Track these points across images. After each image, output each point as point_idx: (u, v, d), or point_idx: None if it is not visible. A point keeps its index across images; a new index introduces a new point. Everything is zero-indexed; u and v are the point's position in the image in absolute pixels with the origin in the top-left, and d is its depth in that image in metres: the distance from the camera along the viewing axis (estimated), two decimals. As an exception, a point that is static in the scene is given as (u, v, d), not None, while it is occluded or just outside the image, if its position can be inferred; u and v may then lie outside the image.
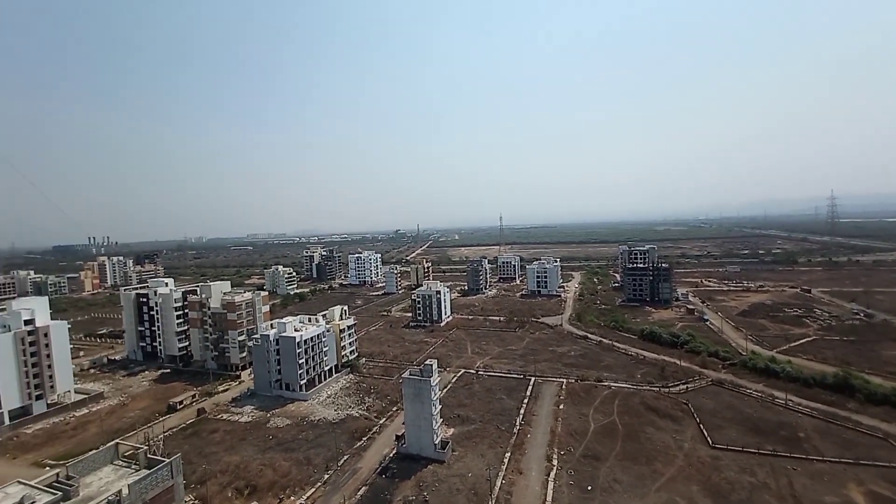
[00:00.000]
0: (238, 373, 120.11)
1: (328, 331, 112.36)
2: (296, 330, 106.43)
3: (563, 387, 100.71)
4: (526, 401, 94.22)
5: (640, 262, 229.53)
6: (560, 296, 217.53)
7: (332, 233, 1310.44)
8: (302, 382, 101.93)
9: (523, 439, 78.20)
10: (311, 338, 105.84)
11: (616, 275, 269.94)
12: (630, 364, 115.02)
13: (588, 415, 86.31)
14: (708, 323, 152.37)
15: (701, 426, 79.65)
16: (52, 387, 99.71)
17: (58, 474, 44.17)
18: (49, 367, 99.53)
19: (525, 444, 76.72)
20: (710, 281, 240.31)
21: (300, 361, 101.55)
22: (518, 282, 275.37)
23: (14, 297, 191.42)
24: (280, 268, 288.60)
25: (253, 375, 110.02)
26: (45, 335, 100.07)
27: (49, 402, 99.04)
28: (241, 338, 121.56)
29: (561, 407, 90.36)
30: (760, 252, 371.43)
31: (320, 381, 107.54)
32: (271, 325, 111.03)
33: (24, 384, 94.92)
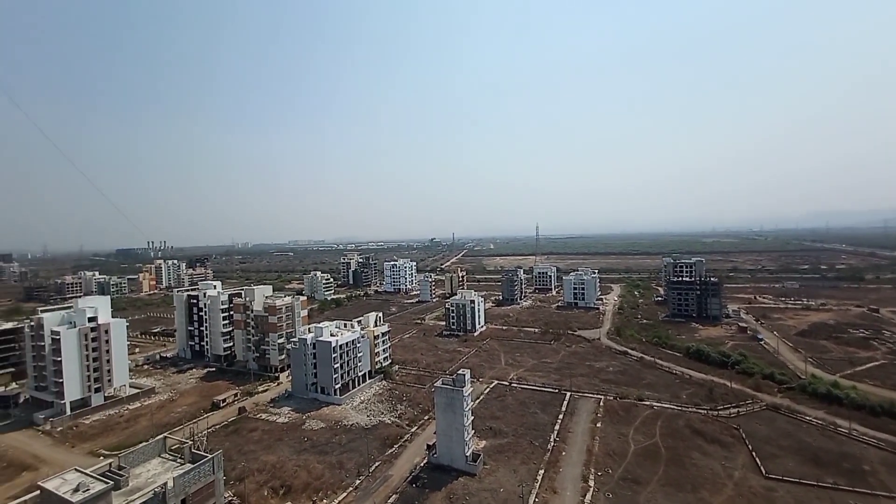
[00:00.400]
0: (277, 374, 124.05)
1: (363, 337, 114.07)
2: (332, 335, 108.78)
3: (601, 404, 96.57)
4: (561, 416, 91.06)
5: (686, 276, 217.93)
6: (598, 308, 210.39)
7: (369, 240, 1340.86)
8: (336, 387, 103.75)
9: (558, 457, 75.39)
10: (347, 343, 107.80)
11: (659, 288, 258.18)
12: (674, 383, 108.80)
13: (628, 435, 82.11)
14: (762, 343, 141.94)
15: (753, 454, 73.79)
16: (109, 381, 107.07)
17: (110, 464, 46.96)
18: (108, 361, 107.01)
19: (560, 461, 73.90)
20: (764, 297, 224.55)
21: (335, 366, 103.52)
22: (554, 293, 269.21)
23: (81, 296, 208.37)
24: (318, 273, 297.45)
25: (291, 377, 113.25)
26: (106, 332, 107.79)
27: (106, 395, 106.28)
28: (280, 340, 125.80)
29: (598, 425, 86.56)
30: (822, 267, 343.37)
31: (354, 387, 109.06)
32: (309, 329, 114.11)
33: (85, 377, 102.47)
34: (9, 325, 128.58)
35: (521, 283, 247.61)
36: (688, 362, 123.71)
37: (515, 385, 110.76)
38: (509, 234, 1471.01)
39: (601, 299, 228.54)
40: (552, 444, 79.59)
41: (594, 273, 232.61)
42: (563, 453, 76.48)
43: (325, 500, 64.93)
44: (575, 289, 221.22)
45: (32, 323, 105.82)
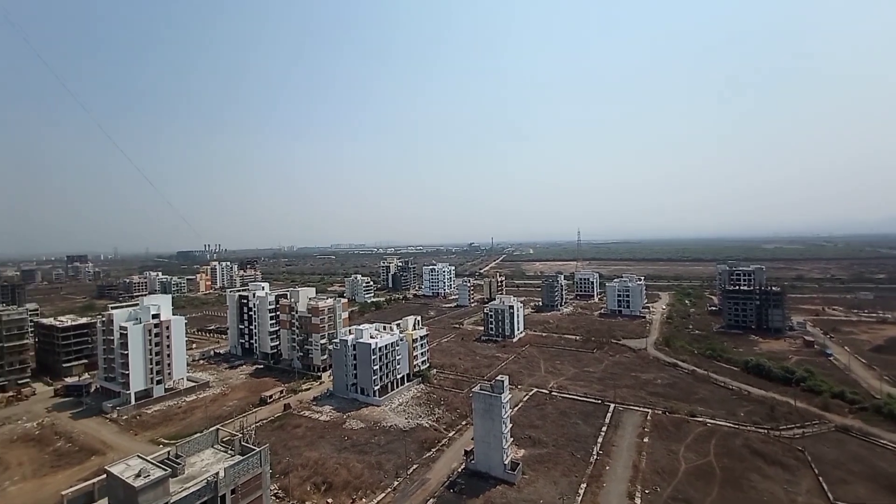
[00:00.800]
0: (319, 374, 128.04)
1: (402, 340, 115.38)
2: (371, 337, 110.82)
3: (649, 418, 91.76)
4: (604, 429, 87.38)
5: (744, 284, 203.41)
6: (644, 317, 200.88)
7: (408, 244, 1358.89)
8: (376, 388, 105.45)
9: (601, 471, 72.28)
10: (386, 345, 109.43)
11: (713, 297, 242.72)
12: (730, 399, 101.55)
13: (678, 452, 77.35)
14: (831, 358, 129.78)
15: (820, 478, 67.50)
16: (169, 374, 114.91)
17: (168, 452, 50.08)
18: (168, 356, 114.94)
19: (603, 476, 70.80)
20: (834, 309, 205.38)
21: (374, 368, 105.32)
22: (596, 300, 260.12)
23: (146, 295, 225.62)
24: (359, 277, 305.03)
25: (332, 377, 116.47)
26: (167, 328, 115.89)
27: (166, 387, 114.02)
28: (322, 341, 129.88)
29: (645, 440, 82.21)
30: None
31: (393, 389, 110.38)
32: (349, 331, 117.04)
33: (149, 370, 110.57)
34: (83, 320, 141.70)
35: (562, 289, 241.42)
36: (746, 377, 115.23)
37: (556, 394, 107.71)
38: (549, 239, 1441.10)
39: (647, 307, 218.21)
40: (595, 457, 76.46)
41: (640, 280, 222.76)
42: (607, 468, 73.23)
43: (364, 500, 65.90)
44: (619, 296, 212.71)
45: (104, 318, 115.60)
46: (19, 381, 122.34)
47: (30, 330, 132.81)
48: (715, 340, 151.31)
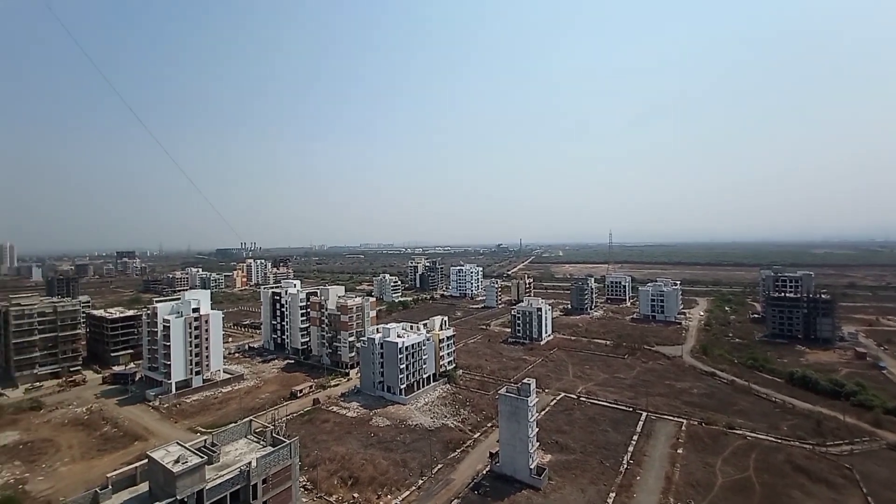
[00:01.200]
0: (347, 371, 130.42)
1: (428, 339, 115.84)
2: (398, 336, 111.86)
3: (683, 428, 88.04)
4: (635, 437, 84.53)
5: (790, 291, 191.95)
6: (680, 323, 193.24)
7: (436, 244, 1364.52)
8: (402, 387, 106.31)
9: (631, 480, 69.93)
10: (412, 345, 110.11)
11: (755, 304, 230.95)
12: (773, 412, 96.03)
13: (715, 466, 73.80)
14: (885, 371, 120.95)
15: (868, 498, 63.10)
16: (207, 365, 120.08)
17: (205, 441, 52.18)
18: (207, 348, 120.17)
19: (633, 486, 68.45)
20: (889, 319, 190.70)
21: (401, 366, 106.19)
22: (628, 304, 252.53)
23: (187, 289, 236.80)
24: (387, 276, 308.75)
25: (360, 374, 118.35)
26: (206, 322, 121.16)
27: (204, 378, 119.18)
28: (351, 339, 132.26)
29: (679, 451, 78.92)
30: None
31: (419, 388, 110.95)
32: (377, 329, 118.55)
33: (188, 361, 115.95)
34: (130, 313, 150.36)
35: (592, 293, 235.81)
36: (790, 390, 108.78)
37: (584, 399, 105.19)
38: (579, 241, 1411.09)
39: (683, 313, 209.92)
40: (625, 466, 74.09)
41: (675, 284, 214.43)
42: (638, 478, 70.78)
43: (389, 496, 66.51)
44: (653, 300, 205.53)
45: (149, 311, 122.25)
46: (71, 369, 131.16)
47: (82, 321, 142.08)
48: (757, 350, 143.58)
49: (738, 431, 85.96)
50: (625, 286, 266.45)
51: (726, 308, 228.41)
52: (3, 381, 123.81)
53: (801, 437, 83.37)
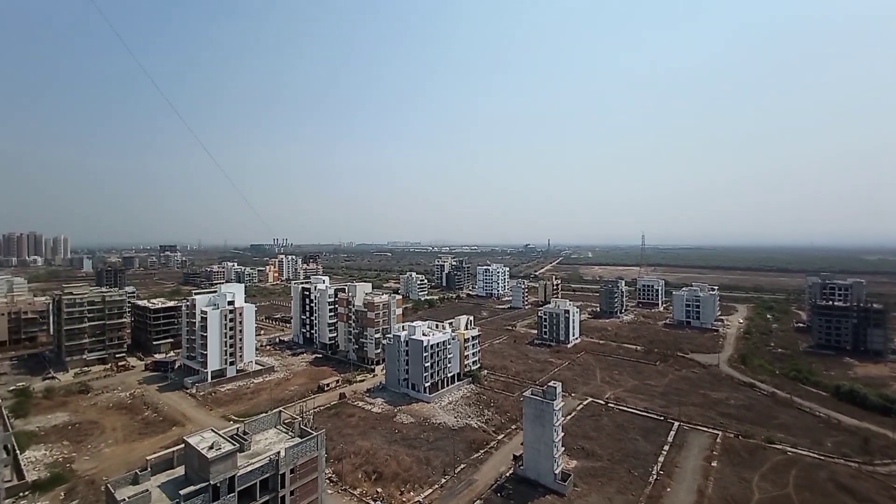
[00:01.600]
0: (373, 367, 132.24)
1: (453, 339, 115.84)
2: (424, 334, 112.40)
3: (719, 441, 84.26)
4: (666, 447, 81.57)
5: (839, 300, 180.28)
6: (717, 330, 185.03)
7: (463, 244, 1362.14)
8: (426, 385, 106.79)
9: (661, 492, 67.50)
10: (437, 343, 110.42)
11: (800, 313, 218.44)
12: (816, 427, 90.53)
13: (751, 481, 70.20)
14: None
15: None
16: (240, 356, 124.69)
17: (237, 429, 54.12)
18: (241, 340, 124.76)
19: (663, 498, 66.07)
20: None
21: (426, 365, 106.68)
22: (661, 309, 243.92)
23: (223, 283, 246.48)
24: (413, 274, 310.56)
25: (385, 371, 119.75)
26: (240, 314, 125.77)
27: (238, 368, 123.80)
28: (377, 335, 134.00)
29: (714, 464, 75.55)
30: None
31: (443, 387, 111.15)
32: (403, 327, 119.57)
33: (223, 351, 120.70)
34: (171, 304, 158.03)
35: (622, 296, 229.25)
36: (836, 404, 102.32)
37: (612, 405, 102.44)
38: (610, 243, 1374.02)
39: (721, 320, 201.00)
40: (654, 476, 71.61)
41: (713, 289, 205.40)
42: (668, 489, 68.25)
43: (412, 493, 66.95)
44: (687, 305, 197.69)
45: (188, 303, 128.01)
46: (117, 355, 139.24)
47: (128, 310, 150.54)
48: (801, 361, 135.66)
49: (777, 446, 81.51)
50: (657, 290, 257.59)
51: (768, 316, 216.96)
52: (55, 365, 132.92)
53: (846, 454, 78.35)
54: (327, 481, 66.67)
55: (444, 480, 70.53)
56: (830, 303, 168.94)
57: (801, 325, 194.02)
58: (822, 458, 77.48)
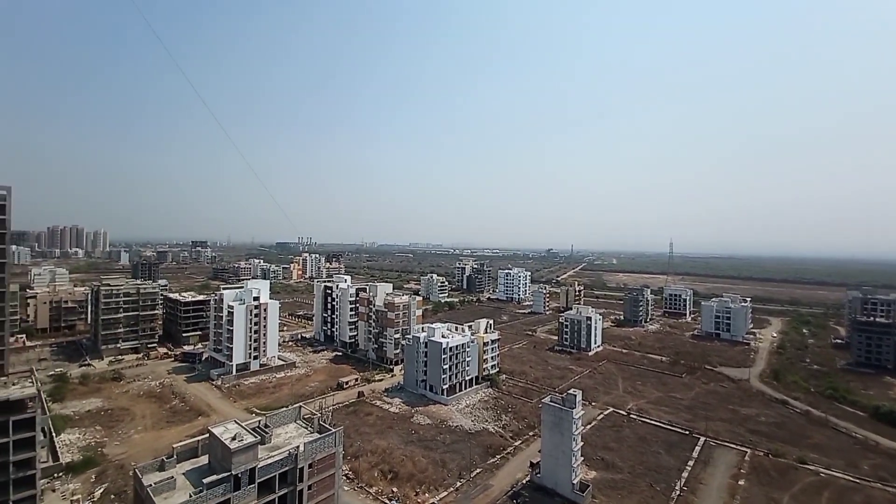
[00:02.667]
0: (392, 367, 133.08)
1: (472, 342, 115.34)
2: (443, 336, 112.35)
3: (747, 458, 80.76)
4: (691, 463, 78.75)
5: (881, 316, 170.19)
6: (748, 344, 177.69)
7: (485, 246, 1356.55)
8: (444, 387, 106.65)
9: (684, 509, 65.15)
10: (456, 346, 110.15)
11: (839, 328, 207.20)
12: (853, 448, 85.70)
13: (781, 502, 66.95)
14: None
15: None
16: (264, 351, 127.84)
17: (259, 422, 55.44)
18: (264, 335, 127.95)
19: (686, 515, 63.73)
20: None
21: (444, 367, 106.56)
22: (689, 319, 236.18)
23: (249, 279, 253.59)
24: (434, 276, 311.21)
25: (403, 371, 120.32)
26: (265, 310, 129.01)
27: (261, 363, 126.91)
28: (396, 336, 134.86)
29: (741, 483, 72.44)
30: None
31: (460, 389, 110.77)
32: (422, 328, 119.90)
33: (248, 346, 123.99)
34: (200, 298, 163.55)
35: (648, 304, 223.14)
36: (875, 425, 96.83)
37: (635, 417, 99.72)
38: (635, 250, 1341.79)
39: (753, 333, 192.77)
40: (677, 492, 69.21)
41: (745, 301, 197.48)
42: (692, 506, 65.79)
43: (427, 494, 66.88)
44: (717, 317, 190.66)
45: (216, 297, 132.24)
46: (149, 346, 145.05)
47: (160, 302, 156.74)
48: (838, 378, 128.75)
49: (810, 466, 77.50)
50: (685, 300, 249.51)
51: (804, 330, 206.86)
52: (91, 352, 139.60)
53: (883, 478, 73.87)
54: (343, 478, 67.34)
55: (459, 484, 70.17)
56: (872, 318, 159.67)
57: (839, 341, 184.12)
58: (858, 481, 73.31)
